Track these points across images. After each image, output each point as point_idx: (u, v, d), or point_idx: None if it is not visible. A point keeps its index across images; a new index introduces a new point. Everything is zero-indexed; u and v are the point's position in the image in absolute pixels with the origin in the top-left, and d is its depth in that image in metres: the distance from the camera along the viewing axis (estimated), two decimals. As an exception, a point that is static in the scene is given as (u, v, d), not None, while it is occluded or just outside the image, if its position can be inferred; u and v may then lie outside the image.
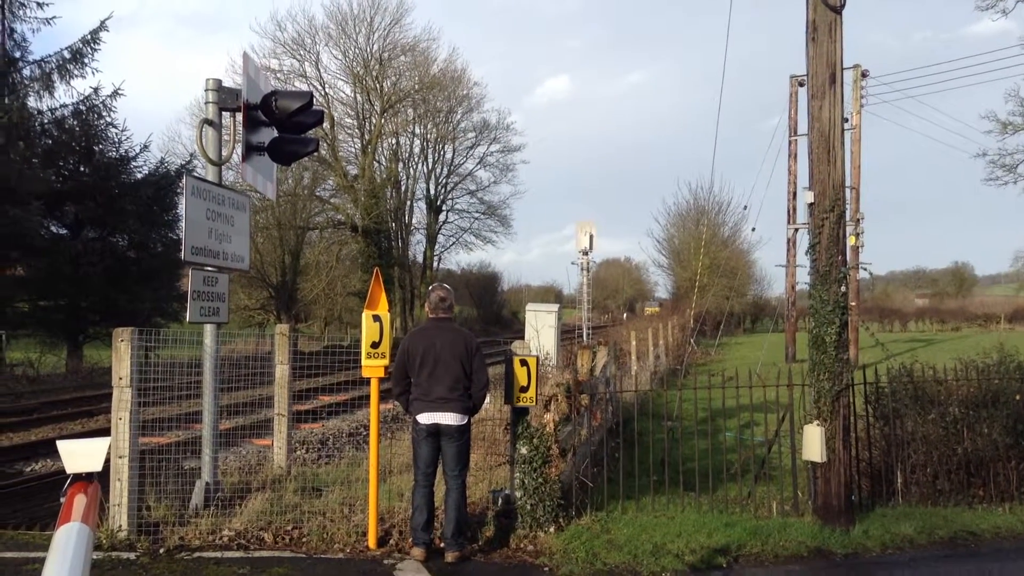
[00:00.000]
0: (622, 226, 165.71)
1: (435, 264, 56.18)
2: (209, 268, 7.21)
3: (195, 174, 7.84)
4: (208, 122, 7.42)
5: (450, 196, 56.10)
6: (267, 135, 7.95)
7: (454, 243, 57.79)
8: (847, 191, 27.19)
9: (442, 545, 6.59)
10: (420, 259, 54.81)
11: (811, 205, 7.82)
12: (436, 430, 6.57)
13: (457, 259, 72.55)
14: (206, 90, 7.49)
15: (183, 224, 6.76)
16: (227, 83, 7.78)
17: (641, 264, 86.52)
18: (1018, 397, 8.98)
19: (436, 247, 55.76)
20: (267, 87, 7.98)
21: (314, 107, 7.96)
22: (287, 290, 39.08)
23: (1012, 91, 35.09)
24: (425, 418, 6.55)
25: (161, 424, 10.98)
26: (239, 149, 7.62)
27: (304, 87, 43.24)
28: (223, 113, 7.61)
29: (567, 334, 33.35)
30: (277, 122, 7.78)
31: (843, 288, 7.49)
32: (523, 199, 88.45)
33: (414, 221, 53.61)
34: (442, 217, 55.93)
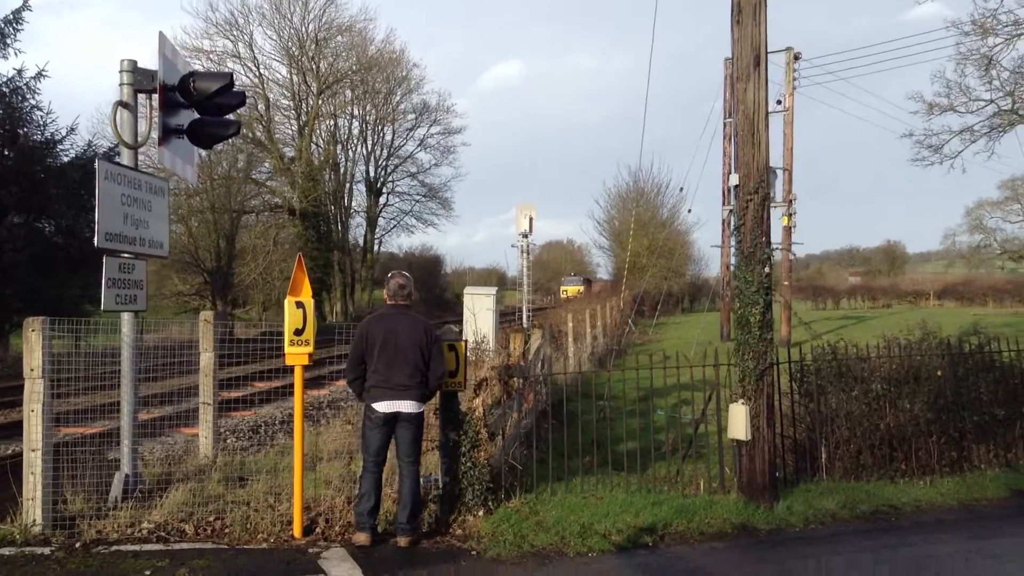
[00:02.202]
0: (568, 208, 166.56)
1: (376, 247, 55.83)
2: (125, 255, 7.01)
3: (106, 157, 7.60)
4: (123, 104, 7.20)
5: (390, 179, 55.76)
6: (188, 117, 7.76)
7: (395, 226, 57.50)
8: (780, 172, 27.57)
9: (389, 529, 6.65)
10: (361, 242, 54.38)
11: (736, 187, 7.90)
12: (394, 418, 6.59)
13: (399, 242, 72.13)
14: (120, 71, 7.27)
15: (96, 209, 6.55)
16: (152, 66, 7.52)
17: (584, 246, 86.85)
18: (939, 373, 9.23)
19: (377, 230, 55.40)
20: (185, 68, 7.77)
21: (235, 88, 7.78)
22: (222, 275, 38.37)
23: (938, 72, 35.89)
24: (384, 406, 6.55)
25: (87, 414, 10.72)
26: (156, 131, 7.41)
27: (238, 68, 42.43)
28: (139, 95, 7.38)
29: (507, 317, 33.38)
30: (196, 104, 7.60)
31: (767, 269, 7.59)
32: (470, 182, 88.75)
33: (354, 204, 53.16)
34: (383, 200, 55.56)
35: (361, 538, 6.47)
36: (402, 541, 6.53)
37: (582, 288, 61.65)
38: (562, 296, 61.89)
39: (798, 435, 8.90)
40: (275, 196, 44.76)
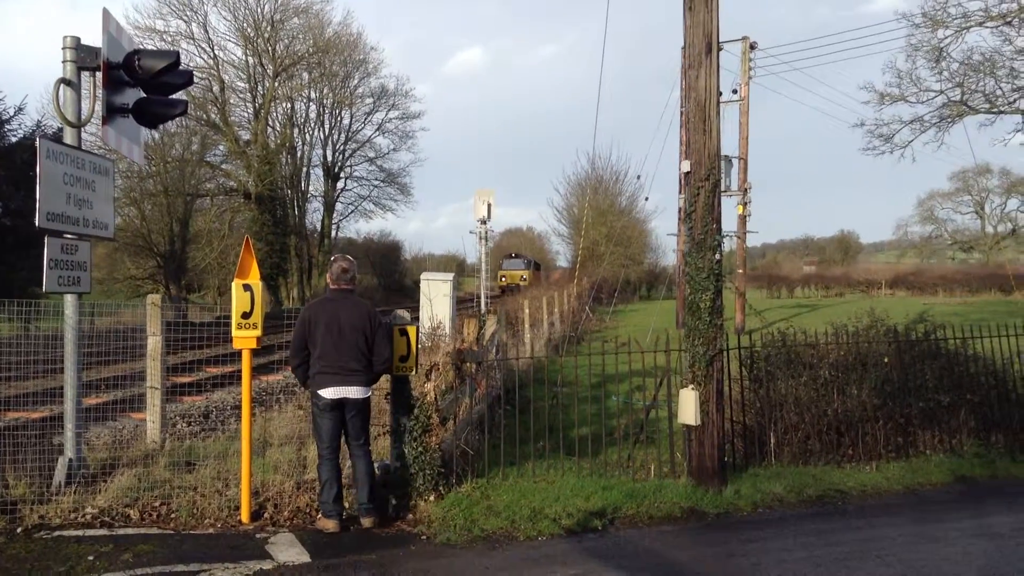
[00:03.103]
0: (530, 196, 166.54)
1: (334, 233, 55.16)
2: (68, 235, 6.86)
3: (53, 137, 7.44)
4: (65, 82, 7.03)
5: (348, 163, 55.11)
6: (133, 96, 7.60)
7: (353, 211, 56.91)
8: (736, 161, 27.71)
9: (354, 513, 6.65)
10: (318, 227, 53.79)
11: (687, 174, 7.96)
12: (341, 404, 6.55)
13: (357, 227, 71.32)
14: (63, 48, 7.10)
15: (37, 189, 6.39)
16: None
17: (543, 234, 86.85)
18: (886, 359, 9.38)
19: (335, 215, 54.72)
20: (131, 45, 7.60)
21: (183, 67, 7.64)
22: (176, 259, 37.82)
23: (890, 63, 36.44)
24: (331, 392, 6.51)
25: (34, 398, 10.52)
26: (100, 110, 7.25)
27: (192, 49, 41.73)
28: (83, 73, 7.21)
29: (465, 303, 33.37)
30: (142, 82, 7.45)
31: (717, 256, 7.66)
32: (432, 169, 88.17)
33: (311, 189, 52.47)
34: (340, 184, 54.90)
35: (330, 525, 6.45)
36: (366, 522, 6.54)
37: (527, 273, 56.03)
38: (500, 282, 54.32)
39: (748, 420, 8.98)
40: (230, 179, 44.16)
